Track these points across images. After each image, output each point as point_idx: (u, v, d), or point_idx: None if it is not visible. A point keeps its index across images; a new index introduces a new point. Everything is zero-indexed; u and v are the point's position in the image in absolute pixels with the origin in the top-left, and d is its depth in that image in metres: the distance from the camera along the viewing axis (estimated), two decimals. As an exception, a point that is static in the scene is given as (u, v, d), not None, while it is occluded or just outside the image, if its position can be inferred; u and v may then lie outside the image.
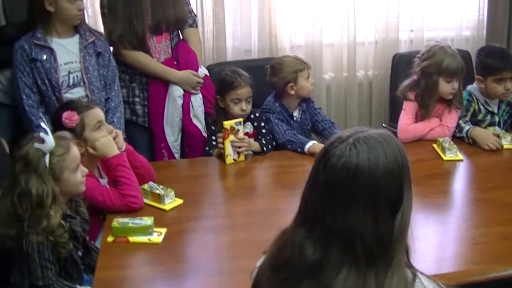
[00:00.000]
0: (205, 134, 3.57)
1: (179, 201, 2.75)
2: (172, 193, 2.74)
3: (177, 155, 3.58)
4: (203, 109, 3.61)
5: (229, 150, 3.21)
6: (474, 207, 2.83)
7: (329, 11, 4.30)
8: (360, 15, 4.34)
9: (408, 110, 3.56)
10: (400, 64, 4.12)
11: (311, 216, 1.47)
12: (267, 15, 4.19)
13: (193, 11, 3.73)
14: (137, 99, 3.54)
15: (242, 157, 3.26)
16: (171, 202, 2.73)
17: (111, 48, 3.45)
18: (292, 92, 3.50)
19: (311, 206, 1.47)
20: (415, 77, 3.57)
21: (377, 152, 1.43)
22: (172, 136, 3.57)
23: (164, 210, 2.69)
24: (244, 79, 3.38)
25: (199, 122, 3.59)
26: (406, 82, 3.62)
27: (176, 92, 3.52)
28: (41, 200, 2.22)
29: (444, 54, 3.48)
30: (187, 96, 3.56)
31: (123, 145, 2.85)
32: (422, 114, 3.57)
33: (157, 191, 2.72)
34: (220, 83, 3.45)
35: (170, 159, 3.53)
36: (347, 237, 1.41)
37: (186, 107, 3.56)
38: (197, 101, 3.60)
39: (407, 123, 3.53)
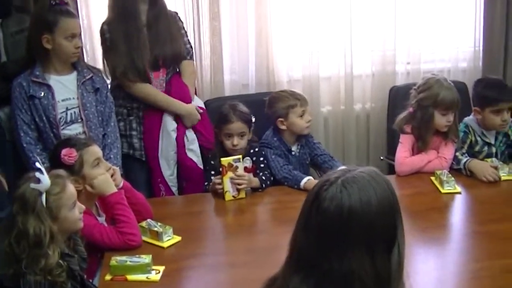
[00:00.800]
0: (201, 167, 3.59)
1: (178, 238, 2.75)
2: (171, 230, 2.75)
3: (174, 189, 3.59)
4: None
5: (228, 186, 3.22)
6: (473, 240, 2.83)
7: (325, 44, 4.33)
8: (357, 47, 4.37)
9: (405, 143, 3.58)
10: (397, 96, 4.14)
11: (306, 262, 1.47)
12: (265, 49, 4.24)
13: (189, 42, 3.77)
14: (134, 133, 3.55)
15: (242, 194, 3.26)
16: (169, 239, 2.73)
17: (109, 84, 3.49)
18: (283, 127, 3.54)
19: (305, 251, 1.47)
20: (411, 109, 3.58)
21: (368, 192, 1.44)
22: (168, 170, 3.58)
23: (162, 248, 2.69)
24: (238, 115, 3.42)
25: (194, 155, 3.61)
26: (402, 114, 3.64)
27: (170, 125, 3.55)
28: (39, 240, 2.22)
29: (440, 87, 3.51)
30: (181, 129, 3.58)
31: (121, 182, 2.86)
32: (419, 147, 3.58)
33: (155, 229, 2.72)
34: (217, 116, 3.51)
35: (167, 193, 3.53)
36: (345, 280, 1.41)
37: (180, 141, 3.58)
38: (192, 134, 3.63)
39: (404, 156, 3.54)
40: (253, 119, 3.49)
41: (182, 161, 3.59)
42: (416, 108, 3.56)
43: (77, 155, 2.68)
